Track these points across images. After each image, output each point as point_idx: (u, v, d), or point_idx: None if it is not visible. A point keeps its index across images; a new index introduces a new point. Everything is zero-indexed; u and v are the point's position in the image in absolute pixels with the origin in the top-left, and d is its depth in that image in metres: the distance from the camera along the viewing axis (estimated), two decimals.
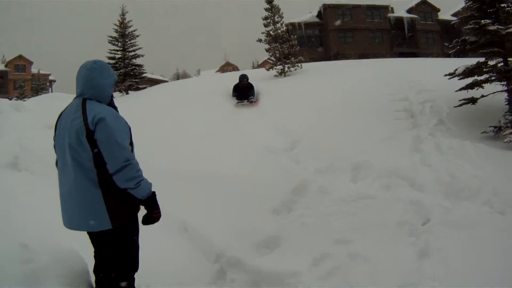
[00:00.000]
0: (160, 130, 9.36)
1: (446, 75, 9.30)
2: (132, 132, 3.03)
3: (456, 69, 9.01)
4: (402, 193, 5.80)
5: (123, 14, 23.08)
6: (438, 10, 43.43)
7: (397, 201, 5.43)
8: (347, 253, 4.19)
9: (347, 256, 4.14)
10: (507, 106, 8.50)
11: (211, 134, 8.88)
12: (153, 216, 2.96)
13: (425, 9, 43.31)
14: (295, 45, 18.31)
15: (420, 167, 6.54)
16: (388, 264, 3.94)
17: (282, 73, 17.10)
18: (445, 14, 42.34)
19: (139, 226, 3.08)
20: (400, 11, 43.61)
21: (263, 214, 5.31)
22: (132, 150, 2.99)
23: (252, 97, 11.79)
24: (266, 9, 18.76)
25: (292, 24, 38.92)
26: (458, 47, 9.27)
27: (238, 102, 11.66)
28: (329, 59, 32.31)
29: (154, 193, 2.96)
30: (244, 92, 12.11)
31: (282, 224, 5.10)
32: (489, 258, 3.75)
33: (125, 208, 2.89)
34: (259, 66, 47.94)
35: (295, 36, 20.41)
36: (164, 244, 4.43)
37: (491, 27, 8.41)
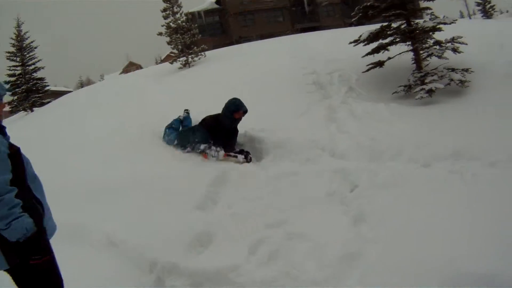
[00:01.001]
0: (67, 139, 8.91)
1: (350, 42, 9.54)
2: (25, 154, 2.68)
3: (360, 36, 9.32)
4: (324, 164, 5.83)
5: (18, 26, 21.74)
6: None
7: (322, 173, 5.46)
8: (283, 234, 4.10)
9: (284, 237, 4.04)
10: (414, 64, 8.96)
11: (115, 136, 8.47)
12: (30, 262, 2.56)
13: None
14: (197, 34, 18.54)
15: (338, 135, 6.64)
16: (327, 237, 3.91)
17: (186, 64, 17.06)
18: None
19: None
20: None
21: (190, 211, 5.09)
22: (23, 179, 2.62)
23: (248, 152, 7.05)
24: (164, 1, 18.83)
25: (192, 13, 38.81)
26: (361, 14, 9.55)
27: (232, 157, 6.81)
28: (232, 44, 32.59)
29: (36, 232, 2.55)
30: (232, 136, 7.25)
31: (210, 218, 4.89)
32: (423, 211, 3.85)
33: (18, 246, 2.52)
34: (163, 61, 47.31)
35: (196, 25, 20.69)
36: (90, 265, 4.07)
37: None
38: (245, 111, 6.97)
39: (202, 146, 6.70)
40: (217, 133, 6.83)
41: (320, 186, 5.11)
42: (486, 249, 3.08)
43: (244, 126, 7.40)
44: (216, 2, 43.96)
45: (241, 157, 6.76)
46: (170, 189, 5.65)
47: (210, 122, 6.92)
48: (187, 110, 8.26)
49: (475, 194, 4.01)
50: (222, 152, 6.69)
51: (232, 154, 6.83)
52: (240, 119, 6.98)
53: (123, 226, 4.72)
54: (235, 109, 6.82)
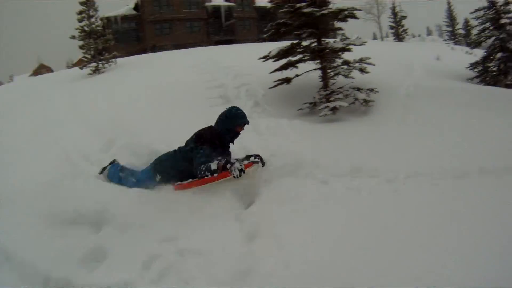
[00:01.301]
0: None
1: (260, 58, 9.63)
2: None
3: (270, 52, 9.43)
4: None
5: None
6: None
7: (217, 188, 5.33)
8: (176, 250, 3.96)
9: (177, 253, 3.91)
10: (321, 82, 9.17)
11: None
12: None
13: None
14: (110, 40, 18.24)
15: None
16: (220, 253, 3.81)
17: (96, 70, 16.59)
18: (262, 1, 45.03)
19: None
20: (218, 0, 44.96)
21: (84, 226, 4.77)
22: None
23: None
24: (81, 3, 18.36)
25: (108, 18, 37.92)
26: (273, 30, 9.71)
27: (246, 164, 5.12)
28: (145, 52, 32.05)
29: None
30: (228, 154, 5.67)
31: (105, 232, 4.63)
32: (317, 227, 3.84)
33: None
34: (74, 65, 45.50)
35: (110, 31, 20.54)
36: None
37: (306, 10, 8.92)
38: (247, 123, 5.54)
39: (214, 165, 4.81)
40: (216, 151, 5.21)
41: (216, 202, 4.96)
42: (370, 265, 3.18)
43: (143, 138, 7.15)
44: (134, 8, 43.18)
45: (255, 162, 5.37)
46: (66, 202, 5.28)
47: (211, 138, 5.21)
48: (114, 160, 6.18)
49: (369, 211, 4.07)
50: (245, 161, 5.18)
51: (253, 159, 5.38)
52: (239, 133, 5.55)
53: (20, 241, 4.34)
54: (240, 122, 5.39)
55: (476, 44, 18.26)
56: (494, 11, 16.11)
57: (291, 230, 3.90)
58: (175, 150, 5.35)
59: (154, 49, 35.79)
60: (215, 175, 4.79)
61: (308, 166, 5.47)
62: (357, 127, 7.53)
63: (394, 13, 42.25)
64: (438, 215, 3.92)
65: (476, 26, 18.11)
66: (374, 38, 58.19)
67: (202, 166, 4.78)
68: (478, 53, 19.76)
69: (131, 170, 5.68)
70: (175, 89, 10.36)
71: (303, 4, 9.07)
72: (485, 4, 16.40)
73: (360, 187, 4.69)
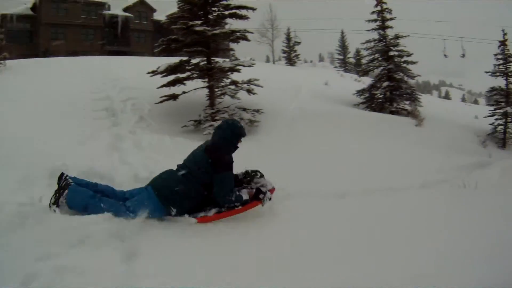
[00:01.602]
0: None
1: (148, 72, 9.58)
2: None
3: (158, 67, 9.40)
4: None
5: None
6: (154, 11, 45.20)
7: None
8: (53, 267, 3.80)
9: (53, 271, 3.75)
10: (208, 101, 9.30)
11: None
12: None
13: (141, 9, 44.52)
14: (1, 39, 16.98)
15: (120, 166, 6.42)
16: (98, 271, 3.72)
17: None
18: (161, 15, 44.58)
19: None
20: (117, 9, 43.75)
21: None
22: None
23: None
24: None
25: (4, 15, 35.28)
26: (164, 45, 9.70)
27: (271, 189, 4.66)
28: (38, 56, 30.23)
29: None
30: None
31: None
32: (192, 246, 3.83)
33: None
34: None
35: (3, 30, 19.15)
36: None
37: (198, 28, 9.01)
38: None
39: (245, 195, 4.34)
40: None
41: (97, 220, 4.84)
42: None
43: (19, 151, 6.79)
44: (32, 8, 40.63)
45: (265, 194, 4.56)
46: None
47: (230, 160, 4.51)
48: None
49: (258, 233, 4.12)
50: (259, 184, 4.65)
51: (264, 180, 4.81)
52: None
53: None
54: (243, 135, 4.66)
55: (365, 73, 19.59)
56: (384, 43, 17.44)
57: (169, 250, 3.85)
58: (183, 175, 4.37)
59: (46, 53, 33.89)
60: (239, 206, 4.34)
61: None
62: (240, 147, 7.70)
63: (288, 38, 43.78)
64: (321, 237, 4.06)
65: (366, 56, 19.34)
66: (267, 61, 59.85)
67: (231, 197, 4.26)
68: (366, 81, 21.14)
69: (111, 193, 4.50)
70: (60, 99, 9.88)
71: (197, 22, 9.17)
72: (376, 36, 17.67)
73: None
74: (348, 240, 3.93)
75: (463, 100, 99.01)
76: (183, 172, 4.37)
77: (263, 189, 4.43)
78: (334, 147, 8.95)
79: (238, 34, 9.71)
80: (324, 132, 9.71)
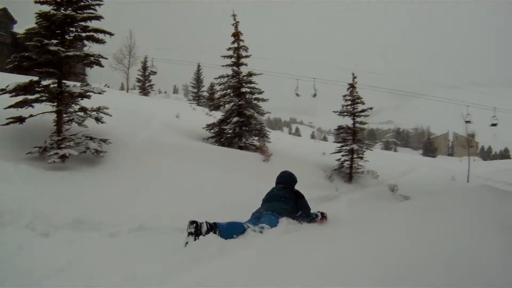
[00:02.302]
0: None
1: None
2: None
3: (7, 86, 8.88)
4: None
5: None
6: (15, 22, 41.54)
7: None
8: None
9: None
10: (55, 126, 8.97)
11: None
12: None
13: (1, 18, 41.14)
14: None
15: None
16: None
17: None
18: (22, 27, 41.39)
19: None
20: None
21: None
22: None
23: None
24: None
25: None
26: (16, 62, 9.15)
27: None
28: None
29: None
30: None
31: None
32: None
33: None
34: None
35: None
36: None
37: (53, 48, 8.70)
38: None
39: (320, 215, 6.58)
40: None
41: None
42: None
43: None
44: None
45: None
46: None
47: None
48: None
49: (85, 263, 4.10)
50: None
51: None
52: None
53: None
54: (296, 180, 7.06)
55: (216, 107, 19.94)
56: (237, 79, 18.01)
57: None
58: (285, 203, 6.22)
59: None
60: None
61: (29, 216, 5.28)
62: (86, 177, 7.54)
63: (144, 67, 43.46)
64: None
65: (219, 91, 19.70)
66: (122, 88, 58.69)
67: (313, 215, 6.39)
68: (218, 116, 21.69)
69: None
70: None
71: (53, 41, 8.89)
72: (230, 72, 18.22)
73: (82, 240, 4.64)
74: None
75: (313, 137, 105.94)
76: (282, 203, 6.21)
77: (324, 213, 6.59)
78: (183, 180, 9.11)
79: (92, 58, 9.58)
80: (172, 166, 9.83)
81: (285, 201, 6.16)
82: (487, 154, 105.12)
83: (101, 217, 5.48)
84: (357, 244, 3.58)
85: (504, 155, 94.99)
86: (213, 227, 4.92)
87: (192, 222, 4.71)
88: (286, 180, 6.75)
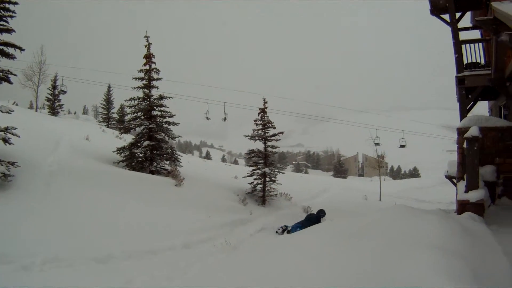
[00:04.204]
0: None
1: None
2: None
3: None
4: None
5: None
6: None
7: None
8: None
9: None
10: None
11: None
12: None
13: None
14: None
15: None
16: None
17: None
18: None
19: None
20: None
21: None
22: None
23: None
24: None
25: None
26: None
27: None
28: None
29: None
30: None
31: None
32: None
33: None
34: None
35: None
36: None
37: None
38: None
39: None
40: None
41: None
42: None
43: None
44: None
45: None
46: None
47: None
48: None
49: None
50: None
51: None
52: None
53: None
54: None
55: (126, 130, 19.53)
56: (148, 102, 17.72)
57: None
58: (310, 216, 13.16)
59: None
60: None
61: None
62: None
63: (54, 86, 41.80)
64: None
65: (129, 113, 19.26)
66: (31, 107, 56.01)
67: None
68: (128, 139, 21.23)
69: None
70: None
71: None
72: (141, 94, 17.91)
73: None
74: None
75: (223, 160, 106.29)
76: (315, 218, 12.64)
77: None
78: (93, 207, 8.91)
79: (0, 74, 9.22)
80: (83, 193, 9.57)
81: (313, 219, 12.37)
82: (397, 174, 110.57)
83: (12, 248, 5.25)
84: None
85: (413, 173, 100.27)
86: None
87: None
88: (318, 214, 13.11)
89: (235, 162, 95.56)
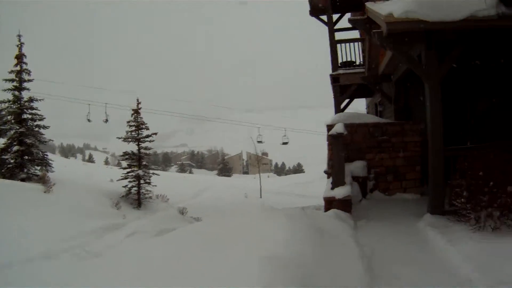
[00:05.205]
0: None
1: None
2: None
3: None
4: None
5: None
6: None
7: None
8: None
9: None
10: None
11: None
12: None
13: None
14: None
15: None
16: None
17: None
18: None
19: None
20: None
21: None
22: None
23: None
24: None
25: None
26: None
27: None
28: None
29: None
30: None
31: None
32: None
33: None
34: None
35: None
36: None
37: None
38: None
39: None
40: None
41: None
42: None
43: None
44: None
45: None
46: None
47: None
48: None
49: None
50: None
51: None
52: None
53: None
54: None
55: None
56: (18, 105, 16.47)
57: None
58: None
59: None
60: None
61: None
62: None
63: None
64: None
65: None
66: None
67: None
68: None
69: None
70: None
71: None
72: (11, 97, 16.60)
73: None
74: None
75: (106, 163, 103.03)
76: None
77: None
78: None
79: None
80: None
81: None
82: (281, 170, 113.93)
83: None
84: None
85: (297, 169, 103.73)
86: None
87: None
88: None
89: (119, 165, 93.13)
